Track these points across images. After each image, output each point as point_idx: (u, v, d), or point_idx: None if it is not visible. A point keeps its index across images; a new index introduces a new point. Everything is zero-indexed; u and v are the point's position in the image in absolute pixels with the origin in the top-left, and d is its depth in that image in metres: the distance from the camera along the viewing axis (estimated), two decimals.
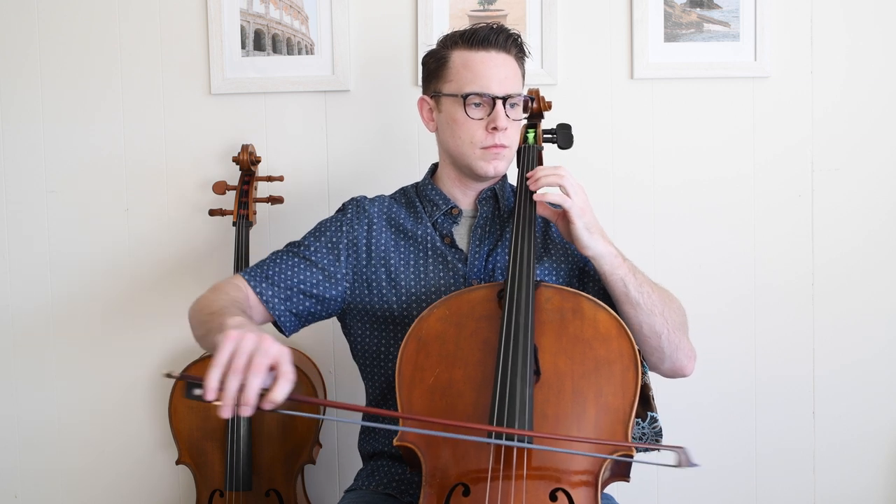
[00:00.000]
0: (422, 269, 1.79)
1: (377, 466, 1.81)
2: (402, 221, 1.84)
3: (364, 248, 1.81)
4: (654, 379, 1.74)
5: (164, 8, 2.37)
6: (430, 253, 1.80)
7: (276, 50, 2.36)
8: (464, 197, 1.86)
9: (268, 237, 2.37)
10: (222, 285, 1.72)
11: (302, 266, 1.77)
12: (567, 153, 1.96)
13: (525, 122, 1.88)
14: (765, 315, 2.37)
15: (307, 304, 1.76)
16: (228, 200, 2.34)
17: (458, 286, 1.75)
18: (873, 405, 2.37)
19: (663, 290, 1.73)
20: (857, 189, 2.36)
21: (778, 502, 2.39)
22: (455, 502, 1.45)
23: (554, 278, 1.78)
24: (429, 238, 1.81)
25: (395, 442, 1.51)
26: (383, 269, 1.79)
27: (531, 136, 1.87)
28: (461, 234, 1.83)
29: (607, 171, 2.36)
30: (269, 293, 1.73)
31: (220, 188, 2.28)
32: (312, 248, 1.79)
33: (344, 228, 1.82)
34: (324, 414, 2.23)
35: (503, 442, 1.43)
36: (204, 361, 2.19)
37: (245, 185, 2.28)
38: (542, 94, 1.91)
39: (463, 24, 1.89)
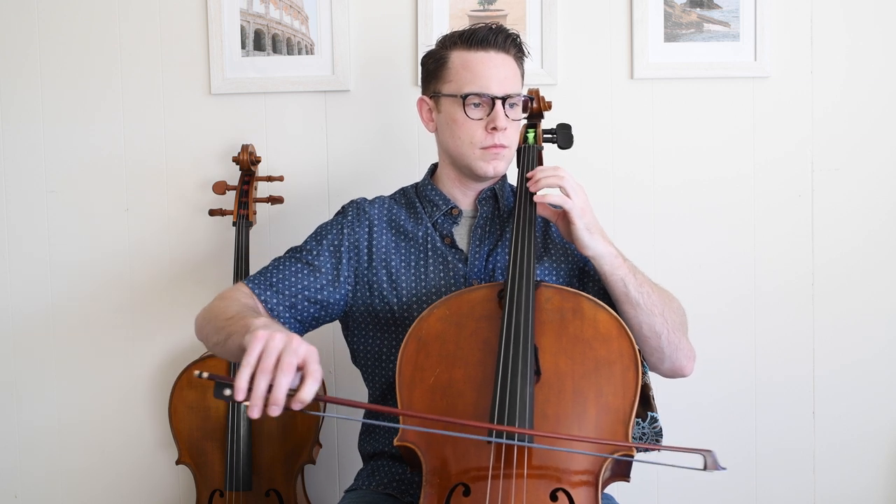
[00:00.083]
0: (422, 269, 1.79)
1: (377, 466, 1.80)
2: (402, 222, 1.84)
3: (365, 251, 1.81)
4: (654, 379, 1.74)
5: (164, 8, 2.37)
6: (430, 253, 1.80)
7: (276, 50, 2.36)
8: (464, 197, 1.86)
9: (268, 237, 2.37)
10: (229, 293, 1.72)
11: (305, 272, 1.76)
12: (567, 153, 1.96)
13: (525, 121, 1.88)
14: (765, 315, 2.37)
15: (312, 310, 1.76)
16: (228, 200, 2.34)
17: (458, 286, 1.75)
18: (873, 405, 2.37)
19: (663, 291, 1.74)
20: (857, 189, 2.36)
21: (778, 502, 2.39)
22: (455, 502, 1.45)
23: (554, 278, 1.78)
24: (429, 238, 1.81)
25: (395, 442, 1.51)
26: (384, 271, 1.79)
27: (531, 136, 1.86)
28: (461, 235, 1.83)
29: (607, 171, 2.36)
30: (274, 301, 1.73)
31: (220, 188, 2.28)
32: (315, 253, 1.79)
33: (345, 231, 1.82)
34: (324, 411, 2.23)
35: (504, 441, 1.43)
36: (204, 361, 2.20)
37: (245, 185, 2.28)
38: (541, 93, 1.91)
39: (463, 25, 1.89)
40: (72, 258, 2.40)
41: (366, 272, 1.80)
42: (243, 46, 2.36)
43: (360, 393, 1.96)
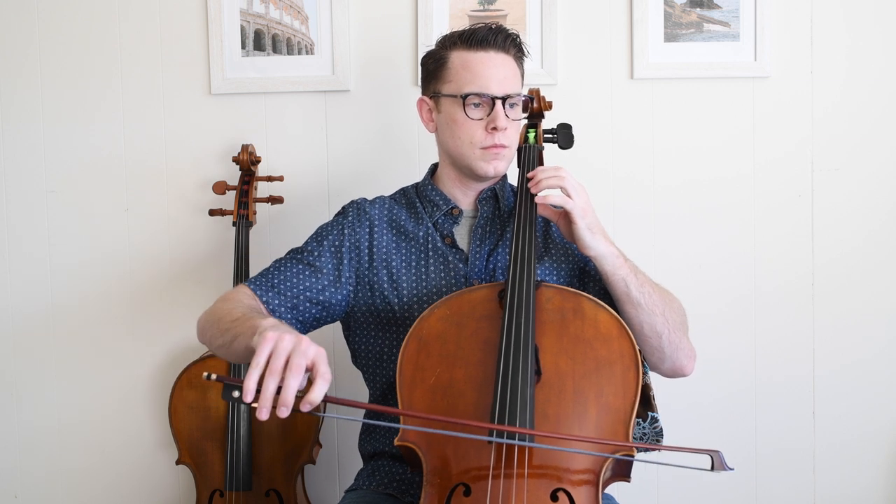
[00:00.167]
0: (423, 269, 1.79)
1: (378, 466, 1.80)
2: (402, 222, 1.84)
3: (366, 251, 1.81)
4: (654, 379, 1.74)
5: (164, 8, 2.37)
6: (430, 253, 1.80)
7: (276, 50, 2.36)
8: (464, 197, 1.86)
9: (268, 237, 2.37)
10: (231, 295, 1.72)
11: (307, 273, 1.76)
12: (567, 153, 1.97)
13: (525, 121, 1.88)
14: (765, 315, 2.37)
15: (313, 311, 1.76)
16: (228, 200, 2.34)
17: (458, 286, 1.75)
18: (873, 405, 2.37)
19: (664, 291, 1.74)
20: (857, 189, 2.36)
21: (778, 502, 2.39)
22: (456, 502, 1.45)
23: (554, 278, 1.78)
24: (430, 238, 1.81)
25: (395, 441, 1.51)
26: (385, 271, 1.79)
27: (532, 135, 1.87)
28: (462, 235, 1.83)
29: (607, 171, 2.36)
30: (276, 302, 1.73)
31: (220, 188, 2.28)
32: (316, 254, 1.79)
33: (346, 232, 1.82)
34: (325, 412, 2.23)
35: (504, 440, 1.43)
36: (204, 361, 2.20)
37: (245, 185, 2.28)
38: (542, 93, 1.91)
39: (463, 25, 1.89)
40: (72, 258, 2.40)
41: (367, 272, 1.80)
42: (243, 46, 2.36)
43: (361, 393, 1.96)
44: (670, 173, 2.36)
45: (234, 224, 2.27)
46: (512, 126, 1.77)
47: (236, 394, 1.27)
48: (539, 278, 1.72)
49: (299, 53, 2.36)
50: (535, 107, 1.87)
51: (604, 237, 1.69)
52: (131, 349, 2.41)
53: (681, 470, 1.43)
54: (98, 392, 2.42)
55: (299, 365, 1.27)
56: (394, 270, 1.79)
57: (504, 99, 1.74)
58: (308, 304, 1.75)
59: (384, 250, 1.81)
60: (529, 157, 1.83)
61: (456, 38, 1.78)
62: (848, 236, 2.36)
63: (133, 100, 2.39)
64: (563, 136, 1.89)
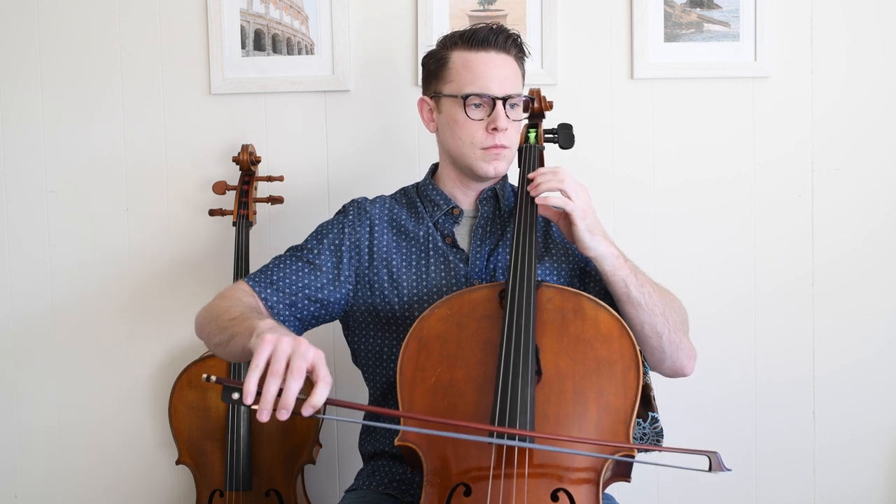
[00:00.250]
0: (423, 269, 1.79)
1: (378, 466, 1.80)
2: (403, 222, 1.84)
3: (366, 250, 1.81)
4: (654, 379, 1.74)
5: (164, 8, 2.37)
6: (431, 253, 1.80)
7: (276, 50, 2.36)
8: (464, 197, 1.86)
9: (268, 237, 2.37)
10: (230, 292, 1.72)
11: (306, 270, 1.76)
12: (567, 153, 1.97)
13: (526, 121, 1.88)
14: (765, 315, 2.37)
15: (312, 308, 1.76)
16: (228, 200, 2.34)
17: (459, 286, 1.75)
18: (873, 405, 2.37)
19: (664, 291, 1.74)
20: (857, 189, 2.36)
21: (778, 502, 2.39)
22: (456, 502, 1.45)
23: (555, 278, 1.78)
24: (430, 238, 1.81)
25: (396, 441, 1.51)
26: (385, 270, 1.79)
27: (532, 135, 1.87)
28: (462, 234, 1.83)
29: (607, 171, 2.36)
30: (275, 299, 1.73)
31: (220, 188, 2.28)
32: (315, 252, 1.79)
33: (346, 231, 1.82)
34: (324, 413, 2.23)
35: (505, 441, 1.43)
36: (204, 361, 2.20)
37: (245, 185, 2.28)
38: (542, 93, 1.91)
39: (463, 25, 1.88)
40: (72, 258, 2.40)
41: (367, 271, 1.80)
42: (243, 46, 2.36)
43: (361, 393, 1.96)
44: (670, 173, 2.36)
45: (234, 224, 2.27)
46: (512, 126, 1.77)
47: (236, 396, 1.27)
48: (539, 278, 1.72)
49: (299, 53, 2.36)
50: (535, 107, 1.87)
51: (604, 238, 1.69)
52: (131, 349, 2.41)
53: (681, 470, 1.43)
54: (98, 392, 2.42)
55: (300, 368, 1.28)
56: (394, 270, 1.79)
57: (505, 99, 1.74)
58: (306, 302, 1.75)
59: (384, 249, 1.81)
60: (530, 157, 1.83)
61: (457, 39, 1.78)
62: (848, 236, 2.36)
63: (133, 100, 2.39)
64: (564, 136, 1.89)
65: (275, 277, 1.75)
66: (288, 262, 1.78)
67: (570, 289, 1.65)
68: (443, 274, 1.78)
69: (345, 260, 1.79)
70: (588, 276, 1.80)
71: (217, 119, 2.37)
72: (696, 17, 2.34)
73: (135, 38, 2.38)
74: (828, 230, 2.36)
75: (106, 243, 2.40)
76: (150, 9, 2.37)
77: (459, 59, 1.77)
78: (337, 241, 1.80)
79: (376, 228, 1.83)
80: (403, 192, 1.93)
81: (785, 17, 2.34)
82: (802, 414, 2.38)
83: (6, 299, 2.41)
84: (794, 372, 2.38)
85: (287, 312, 1.74)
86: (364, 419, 1.90)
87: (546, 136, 1.89)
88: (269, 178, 2.31)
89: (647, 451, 1.64)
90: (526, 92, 1.85)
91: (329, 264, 1.78)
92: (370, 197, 1.91)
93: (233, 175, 2.33)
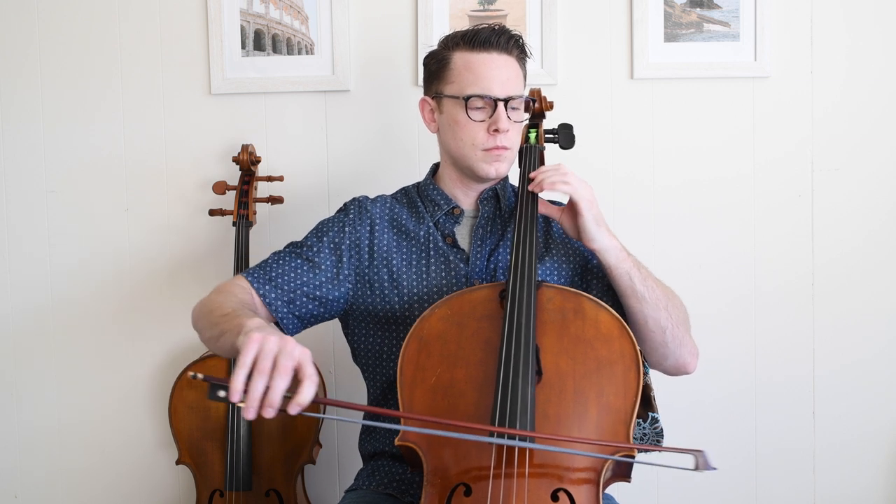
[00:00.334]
0: (423, 268, 1.79)
1: (378, 466, 1.80)
2: (403, 221, 1.84)
3: (366, 249, 1.81)
4: (654, 379, 1.74)
5: (164, 8, 2.37)
6: (431, 253, 1.80)
7: (276, 50, 2.36)
8: (465, 197, 1.86)
9: (268, 237, 2.37)
10: (227, 286, 1.72)
11: (305, 268, 1.76)
12: (567, 153, 1.97)
13: (526, 122, 1.88)
14: (765, 315, 2.37)
15: (310, 306, 1.76)
16: (228, 200, 2.34)
17: (459, 286, 1.75)
18: (873, 405, 2.37)
19: (666, 287, 1.74)
20: (857, 189, 2.36)
21: (778, 502, 2.39)
22: (456, 502, 1.45)
23: (556, 277, 1.78)
24: (431, 238, 1.81)
25: (396, 441, 1.51)
26: (385, 270, 1.79)
27: (533, 135, 1.87)
28: (463, 234, 1.83)
29: (607, 171, 2.36)
30: (273, 296, 1.73)
31: (220, 188, 2.28)
32: (315, 249, 1.79)
33: (346, 229, 1.82)
34: (324, 413, 2.23)
35: (505, 441, 1.43)
36: (204, 361, 2.20)
37: (245, 185, 2.28)
38: (543, 93, 1.91)
39: (463, 25, 1.89)
40: (72, 258, 2.40)
41: (366, 270, 1.80)
42: (243, 46, 2.36)
43: (361, 392, 1.96)
44: (670, 173, 2.36)
45: (234, 224, 2.27)
46: (514, 128, 1.77)
47: (222, 393, 1.28)
48: (540, 277, 1.72)
49: (299, 53, 2.36)
50: (536, 107, 1.87)
51: (608, 230, 1.69)
52: (131, 349, 2.41)
53: (682, 470, 1.43)
54: (98, 392, 2.42)
55: (286, 366, 1.28)
56: (394, 269, 1.79)
57: (506, 101, 1.74)
58: (305, 300, 1.75)
59: (385, 248, 1.81)
60: (530, 157, 1.83)
61: (459, 39, 1.78)
62: (848, 236, 2.36)
63: (133, 100, 2.38)
64: (565, 136, 1.89)
65: (273, 274, 1.75)
66: (287, 258, 1.78)
67: (570, 289, 1.65)
68: (443, 274, 1.78)
69: (344, 258, 1.79)
70: (590, 274, 1.80)
71: (217, 119, 2.37)
72: (696, 17, 2.34)
73: (135, 38, 2.38)
74: (828, 230, 2.36)
75: (106, 243, 2.40)
76: (150, 9, 2.37)
77: (461, 59, 1.77)
78: (337, 240, 1.80)
79: (377, 227, 1.83)
80: (404, 191, 1.93)
81: (785, 17, 2.34)
82: (802, 414, 2.38)
83: (6, 299, 2.41)
84: (794, 372, 2.38)
85: (285, 309, 1.74)
86: (364, 419, 1.90)
87: (546, 136, 1.89)
88: (269, 178, 2.31)
89: (646, 451, 1.64)
90: (526, 92, 1.85)
91: (328, 263, 1.78)
92: (371, 196, 1.91)
93: (233, 175, 2.33)
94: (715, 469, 1.40)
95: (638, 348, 1.57)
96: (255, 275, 1.75)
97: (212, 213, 2.30)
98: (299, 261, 1.77)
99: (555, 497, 1.44)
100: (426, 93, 1.86)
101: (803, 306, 2.37)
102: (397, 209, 1.86)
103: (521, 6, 2.33)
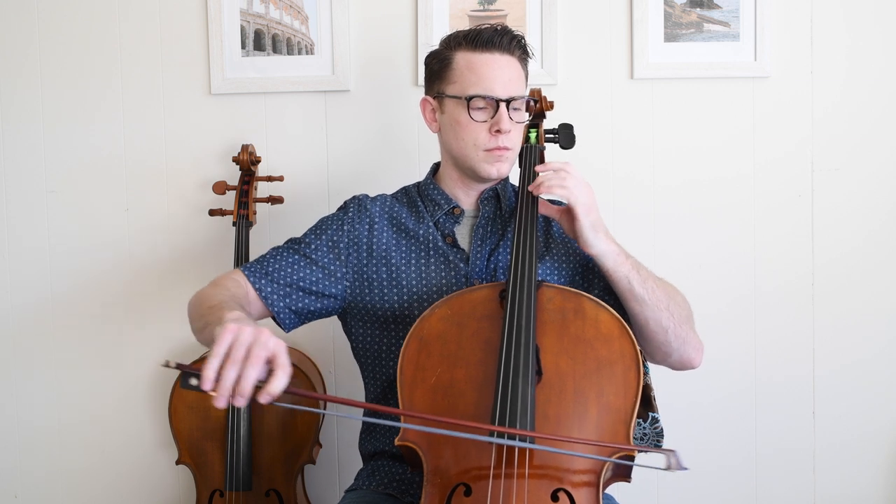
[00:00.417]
0: (423, 268, 1.79)
1: (378, 466, 1.80)
2: (403, 220, 1.84)
3: (365, 247, 1.81)
4: (654, 379, 1.74)
5: (164, 8, 2.37)
6: (431, 252, 1.80)
7: (276, 50, 2.36)
8: (466, 197, 1.86)
9: (268, 237, 2.36)
10: (222, 280, 1.73)
11: (302, 264, 1.77)
12: (567, 153, 1.97)
13: (527, 122, 1.88)
14: (765, 315, 2.37)
15: (306, 301, 1.76)
16: (228, 200, 2.34)
17: (459, 286, 1.75)
18: (873, 405, 2.37)
19: (668, 285, 1.74)
20: (857, 189, 2.36)
21: (778, 502, 2.39)
22: (456, 502, 1.45)
23: (556, 277, 1.78)
24: (430, 237, 1.81)
25: (396, 441, 1.51)
26: (384, 268, 1.79)
27: (533, 135, 1.87)
28: (463, 234, 1.83)
29: (607, 171, 2.36)
30: (269, 290, 1.73)
31: (220, 188, 2.28)
32: (313, 246, 1.79)
33: (345, 227, 1.82)
34: (325, 409, 2.23)
35: (505, 441, 1.43)
36: (204, 360, 2.19)
37: (245, 185, 2.28)
38: (543, 93, 1.91)
39: (463, 25, 1.88)
40: (72, 258, 2.40)
41: (365, 269, 1.80)
42: (243, 46, 2.36)
43: (361, 392, 1.96)
44: (670, 173, 2.36)
45: (234, 224, 2.27)
46: (515, 128, 1.77)
47: (194, 381, 1.28)
48: (540, 277, 1.72)
49: (299, 53, 2.36)
50: (536, 107, 1.87)
51: (606, 235, 1.69)
52: (131, 349, 2.41)
53: (682, 471, 1.42)
54: (98, 392, 2.42)
55: (258, 356, 1.28)
56: (393, 268, 1.79)
57: (508, 101, 1.74)
58: (301, 294, 1.76)
59: (384, 247, 1.81)
60: (531, 157, 1.83)
61: (461, 39, 1.78)
62: (848, 236, 2.36)
63: (133, 100, 2.38)
64: (565, 136, 1.89)
65: (270, 269, 1.76)
66: (285, 254, 1.78)
67: (570, 289, 1.65)
68: (443, 273, 1.78)
69: (343, 256, 1.79)
70: (591, 273, 1.79)
71: (217, 119, 2.37)
72: (696, 17, 2.34)
73: (135, 38, 2.38)
74: (828, 230, 2.36)
75: (106, 243, 2.40)
76: (150, 9, 2.37)
77: (463, 59, 1.77)
78: (336, 238, 1.80)
79: (376, 226, 1.83)
80: (404, 191, 1.93)
81: (785, 17, 2.34)
82: (802, 414, 2.38)
83: (6, 299, 2.41)
84: (794, 372, 2.38)
85: (282, 304, 1.74)
86: (364, 417, 1.90)
87: (547, 136, 1.89)
88: (269, 178, 2.31)
89: (645, 451, 1.64)
90: (527, 92, 1.85)
91: (326, 260, 1.78)
92: (371, 195, 1.91)
93: (233, 175, 2.33)
94: (686, 469, 1.40)
95: (638, 348, 1.57)
96: (252, 269, 1.76)
97: (212, 213, 2.30)
98: (297, 256, 1.78)
99: (555, 497, 1.44)
100: (427, 92, 1.85)
101: (803, 306, 2.37)
102: (397, 208, 1.86)
103: (521, 6, 2.33)
